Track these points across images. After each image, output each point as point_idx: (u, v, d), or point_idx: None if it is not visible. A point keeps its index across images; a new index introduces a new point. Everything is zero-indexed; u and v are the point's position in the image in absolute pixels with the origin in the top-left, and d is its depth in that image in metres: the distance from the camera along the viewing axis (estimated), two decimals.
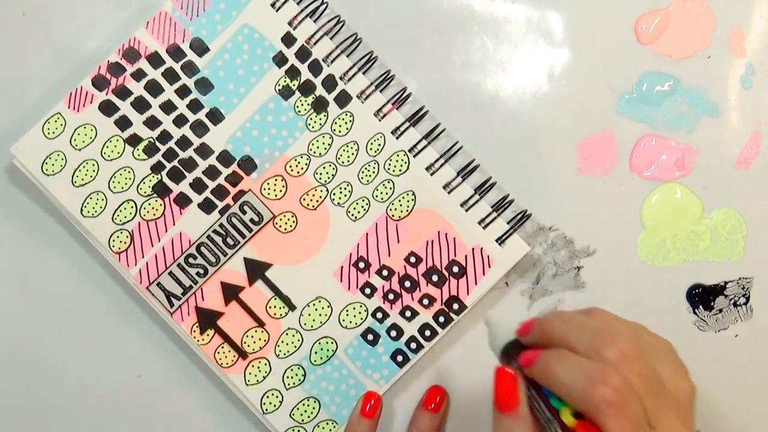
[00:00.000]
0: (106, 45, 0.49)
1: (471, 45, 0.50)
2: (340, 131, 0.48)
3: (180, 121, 0.48)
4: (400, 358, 0.48)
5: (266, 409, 0.48)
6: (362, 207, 0.48)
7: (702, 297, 0.51)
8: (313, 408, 0.48)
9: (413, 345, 0.48)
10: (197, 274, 0.48)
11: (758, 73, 0.50)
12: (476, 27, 0.50)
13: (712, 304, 0.51)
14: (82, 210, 0.48)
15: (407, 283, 0.48)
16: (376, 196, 0.48)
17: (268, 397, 0.48)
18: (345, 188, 0.48)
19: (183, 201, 0.48)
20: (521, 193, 0.50)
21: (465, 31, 0.50)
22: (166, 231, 0.48)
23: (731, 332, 0.51)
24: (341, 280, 0.48)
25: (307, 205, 0.48)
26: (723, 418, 0.51)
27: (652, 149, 0.50)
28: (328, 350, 0.48)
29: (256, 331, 0.48)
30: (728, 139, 0.50)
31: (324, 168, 0.48)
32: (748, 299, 0.51)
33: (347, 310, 0.48)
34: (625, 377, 0.35)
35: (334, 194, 0.48)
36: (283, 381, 0.48)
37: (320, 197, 0.48)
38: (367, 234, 0.48)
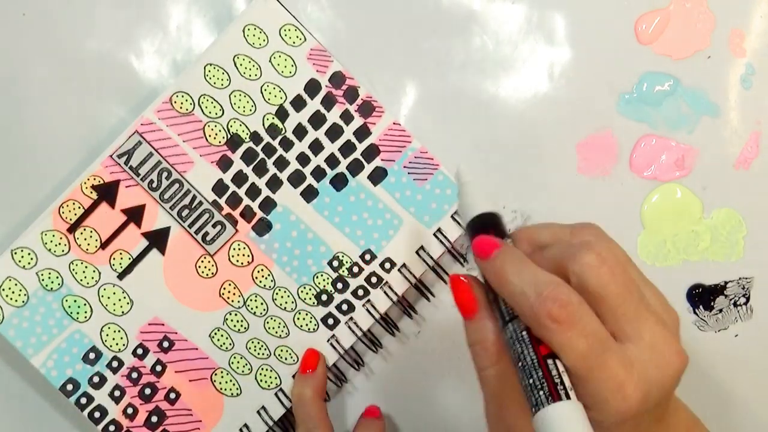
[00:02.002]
0: (106, 45, 0.49)
1: (471, 45, 0.50)
2: None
3: None
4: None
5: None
6: None
7: (702, 297, 0.51)
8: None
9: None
10: None
11: (758, 73, 0.50)
12: (476, 27, 0.50)
13: (712, 304, 0.51)
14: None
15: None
16: None
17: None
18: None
19: None
20: (521, 193, 0.50)
21: (465, 31, 0.50)
22: None
23: (731, 332, 0.51)
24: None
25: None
26: (723, 418, 0.51)
27: (652, 149, 0.50)
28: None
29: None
30: (728, 139, 0.50)
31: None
32: (748, 299, 0.51)
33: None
34: (579, 296, 0.33)
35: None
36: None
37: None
38: None
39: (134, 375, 0.48)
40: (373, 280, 0.48)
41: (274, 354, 0.48)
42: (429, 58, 0.50)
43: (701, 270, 0.51)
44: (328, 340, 0.48)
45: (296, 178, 0.48)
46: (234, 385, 0.48)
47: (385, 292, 0.48)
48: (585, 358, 0.32)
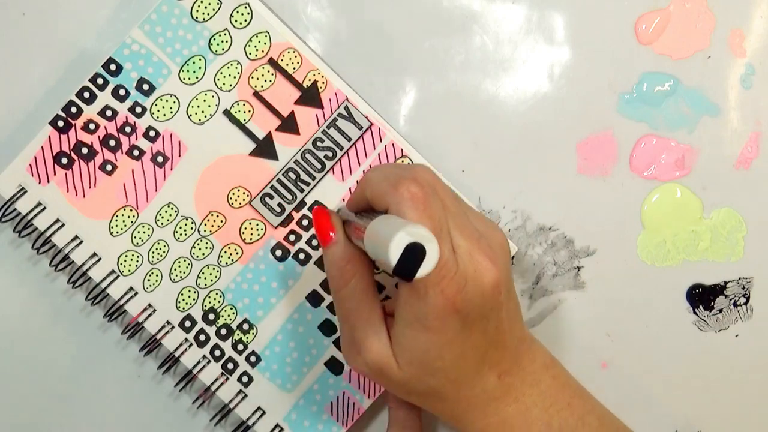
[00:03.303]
0: (106, 45, 0.49)
1: (471, 45, 0.50)
2: None
3: None
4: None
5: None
6: None
7: (702, 297, 0.51)
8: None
9: None
10: None
11: (758, 73, 0.50)
12: (476, 27, 0.50)
13: (712, 304, 0.51)
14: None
15: None
16: None
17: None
18: None
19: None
20: (521, 193, 0.50)
21: (465, 31, 0.50)
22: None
23: (731, 332, 0.51)
24: None
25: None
26: (723, 418, 0.51)
27: (652, 149, 0.50)
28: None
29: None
30: (728, 139, 0.50)
31: None
32: (748, 299, 0.51)
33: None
34: (433, 186, 0.37)
35: None
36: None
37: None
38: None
39: None
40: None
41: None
42: (429, 58, 0.50)
43: (701, 270, 0.51)
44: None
45: None
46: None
47: None
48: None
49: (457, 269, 0.36)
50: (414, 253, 0.32)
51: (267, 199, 0.49)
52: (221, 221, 0.48)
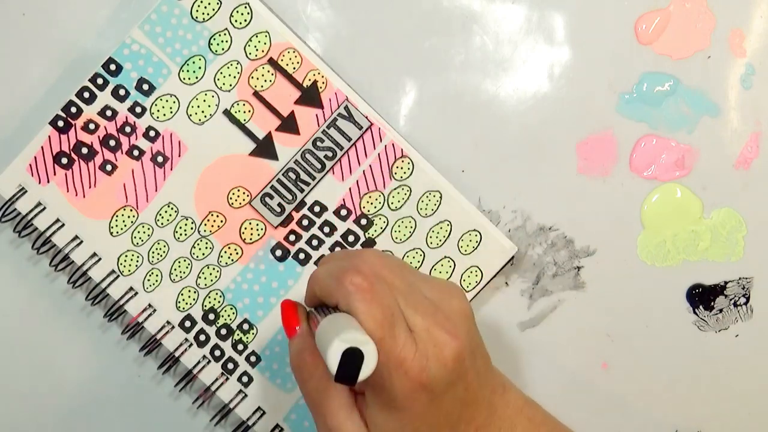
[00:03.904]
0: (106, 45, 0.49)
1: (471, 45, 0.50)
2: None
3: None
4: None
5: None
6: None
7: (702, 297, 0.51)
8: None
9: None
10: None
11: (758, 73, 0.50)
12: (476, 27, 0.50)
13: (712, 304, 0.51)
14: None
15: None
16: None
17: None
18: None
19: None
20: (521, 193, 0.50)
21: (465, 31, 0.50)
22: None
23: (731, 332, 0.51)
24: None
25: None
26: (723, 418, 0.51)
27: (652, 149, 0.50)
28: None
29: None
30: (728, 139, 0.50)
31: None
32: (748, 299, 0.51)
33: None
34: (378, 272, 0.38)
35: None
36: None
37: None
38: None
39: None
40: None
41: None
42: (429, 58, 0.50)
43: (701, 270, 0.51)
44: None
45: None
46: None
47: None
48: (380, 326, 0.36)
49: (417, 349, 0.36)
50: (352, 359, 0.33)
51: (267, 199, 0.49)
52: (221, 221, 0.48)
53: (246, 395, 0.49)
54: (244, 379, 0.49)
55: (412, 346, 0.36)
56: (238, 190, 0.48)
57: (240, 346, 0.49)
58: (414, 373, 0.36)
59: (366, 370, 0.33)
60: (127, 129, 0.48)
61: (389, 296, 0.37)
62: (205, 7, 0.48)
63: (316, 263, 0.49)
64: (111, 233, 0.48)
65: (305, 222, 0.49)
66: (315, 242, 0.49)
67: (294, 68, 0.48)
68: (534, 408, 0.42)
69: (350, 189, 0.49)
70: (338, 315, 0.37)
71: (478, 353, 0.39)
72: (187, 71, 0.48)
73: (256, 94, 0.48)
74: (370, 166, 0.49)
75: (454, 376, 0.37)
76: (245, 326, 0.49)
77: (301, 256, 0.49)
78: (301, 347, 0.40)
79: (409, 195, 0.49)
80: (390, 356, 0.36)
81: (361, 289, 0.36)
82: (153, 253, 0.48)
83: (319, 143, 0.49)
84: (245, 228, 0.48)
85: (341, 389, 0.39)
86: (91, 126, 0.48)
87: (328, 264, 0.40)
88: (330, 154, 0.49)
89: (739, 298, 0.51)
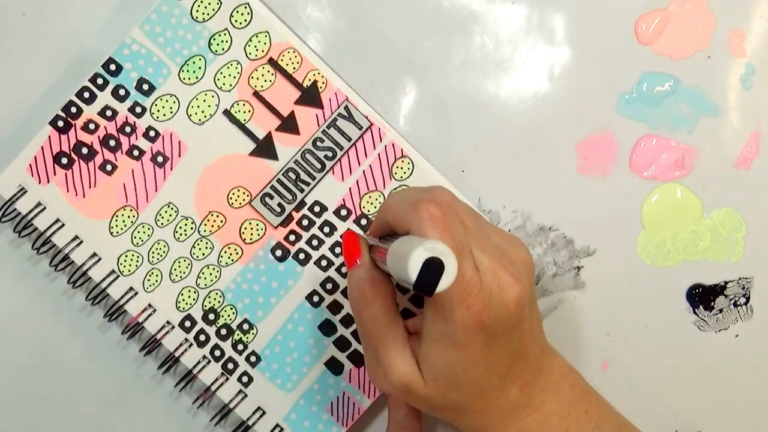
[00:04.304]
0: (106, 45, 0.49)
1: (471, 45, 0.50)
2: None
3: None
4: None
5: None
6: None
7: (702, 297, 0.51)
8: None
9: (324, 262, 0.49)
10: None
11: (758, 73, 0.50)
12: (476, 27, 0.50)
13: (712, 304, 0.51)
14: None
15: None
16: None
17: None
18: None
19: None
20: (521, 193, 0.50)
21: (465, 31, 0.50)
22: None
23: (731, 332, 0.51)
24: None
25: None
26: (723, 418, 0.51)
27: (652, 149, 0.50)
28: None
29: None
30: (728, 139, 0.50)
31: None
32: (748, 299, 0.51)
33: None
34: (452, 206, 0.38)
35: None
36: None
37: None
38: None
39: None
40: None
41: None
42: (429, 58, 0.50)
43: (701, 270, 0.51)
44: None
45: None
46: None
47: None
48: None
49: (481, 286, 0.37)
50: (433, 268, 0.32)
51: (267, 199, 0.49)
52: (221, 221, 0.48)
53: (246, 395, 0.49)
54: (244, 379, 0.49)
55: (477, 282, 0.36)
56: (238, 190, 0.48)
57: (240, 346, 0.49)
58: (476, 308, 0.36)
59: (446, 280, 0.33)
60: (127, 129, 0.48)
61: (461, 229, 0.37)
62: (205, 7, 0.48)
63: (316, 263, 0.49)
64: (111, 233, 0.48)
65: (305, 222, 0.49)
66: (315, 242, 0.49)
67: (294, 68, 0.48)
68: (577, 376, 0.43)
69: (350, 189, 0.49)
70: (411, 236, 0.36)
71: (534, 307, 0.40)
72: (187, 71, 0.48)
73: (256, 94, 0.48)
74: (370, 166, 0.49)
75: (513, 322, 0.38)
76: (245, 326, 0.49)
77: (301, 256, 0.49)
78: (362, 276, 0.40)
79: None
80: (456, 287, 0.36)
81: (435, 218, 0.36)
82: (153, 253, 0.48)
83: (319, 143, 0.49)
84: (245, 228, 0.48)
85: (397, 324, 0.39)
86: (91, 126, 0.48)
87: (403, 193, 0.40)
88: (330, 154, 0.49)
89: (739, 298, 0.51)
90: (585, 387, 0.43)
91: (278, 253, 0.49)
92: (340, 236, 0.48)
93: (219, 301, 0.48)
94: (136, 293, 0.48)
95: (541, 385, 0.41)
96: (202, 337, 0.48)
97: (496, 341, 0.38)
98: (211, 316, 0.48)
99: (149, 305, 0.48)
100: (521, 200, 0.50)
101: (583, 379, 0.43)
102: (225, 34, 0.48)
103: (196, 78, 0.48)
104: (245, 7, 0.48)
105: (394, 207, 0.39)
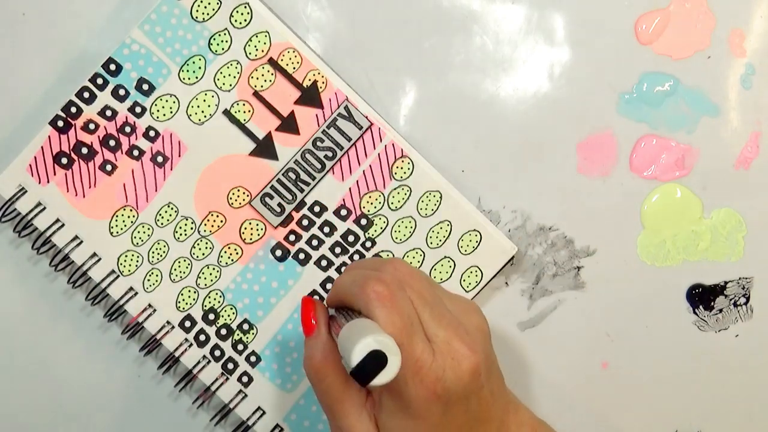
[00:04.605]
0: (106, 45, 0.49)
1: (471, 45, 0.50)
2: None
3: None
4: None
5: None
6: None
7: (702, 297, 0.51)
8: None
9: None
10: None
11: (758, 73, 0.50)
12: (476, 27, 0.50)
13: (712, 304, 0.51)
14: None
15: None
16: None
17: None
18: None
19: None
20: (521, 193, 0.50)
21: (465, 31, 0.50)
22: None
23: (731, 332, 0.51)
24: None
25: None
26: (723, 418, 0.51)
27: (652, 149, 0.50)
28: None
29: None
30: (728, 139, 0.50)
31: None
32: (748, 299, 0.51)
33: None
34: (403, 281, 0.39)
35: None
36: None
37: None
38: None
39: None
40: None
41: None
42: (429, 58, 0.50)
43: (701, 270, 0.51)
44: None
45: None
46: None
47: None
48: (399, 332, 0.36)
49: (434, 359, 0.37)
50: (375, 361, 0.33)
51: (267, 199, 0.49)
52: (221, 221, 0.48)
53: (246, 395, 0.49)
54: (244, 379, 0.49)
55: (429, 355, 0.37)
56: (238, 190, 0.48)
57: (240, 346, 0.49)
58: (430, 381, 0.36)
59: (383, 378, 0.34)
60: (127, 129, 0.48)
61: (409, 305, 0.38)
62: (205, 7, 0.48)
63: (316, 263, 0.49)
64: (111, 233, 0.48)
65: (305, 222, 0.49)
66: (315, 242, 0.49)
67: (294, 68, 0.48)
68: (546, 428, 0.43)
69: (350, 189, 0.49)
70: (367, 321, 0.37)
71: (493, 371, 0.40)
72: (187, 71, 0.48)
73: (256, 94, 0.48)
74: (370, 166, 0.49)
75: (469, 390, 0.38)
76: (245, 326, 0.49)
77: (301, 256, 0.49)
78: (318, 347, 0.40)
79: (409, 195, 0.49)
80: (407, 362, 0.36)
81: (381, 297, 0.37)
82: (153, 253, 0.48)
83: (319, 143, 0.49)
84: (245, 228, 0.48)
85: (354, 391, 0.40)
86: (91, 126, 0.48)
87: (353, 271, 0.40)
88: (330, 154, 0.49)
89: (739, 298, 0.51)
90: None
91: (278, 253, 0.49)
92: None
93: (219, 301, 0.48)
94: (136, 293, 0.48)
95: None
96: (202, 337, 0.48)
97: (453, 409, 0.38)
98: (211, 316, 0.48)
99: (149, 305, 0.48)
100: (521, 200, 0.50)
101: (553, 430, 0.43)
102: (225, 34, 0.48)
103: (196, 78, 0.48)
104: (245, 7, 0.48)
105: (343, 286, 0.40)
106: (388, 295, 0.37)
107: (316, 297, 0.49)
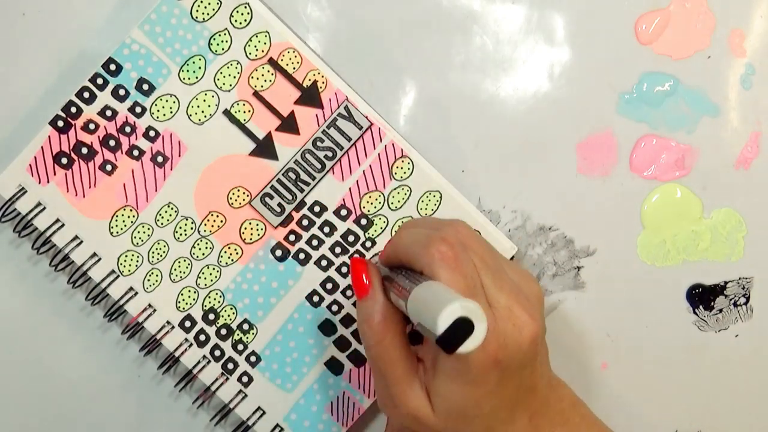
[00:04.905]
0: (106, 45, 0.49)
1: (471, 45, 0.50)
2: None
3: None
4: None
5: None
6: None
7: (702, 297, 0.51)
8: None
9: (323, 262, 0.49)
10: None
11: (758, 73, 0.50)
12: (476, 27, 0.50)
13: (712, 304, 0.51)
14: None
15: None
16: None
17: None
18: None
19: None
20: (521, 193, 0.50)
21: (465, 31, 0.50)
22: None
23: (731, 332, 0.51)
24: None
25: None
26: (723, 418, 0.51)
27: (652, 149, 0.50)
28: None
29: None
30: (728, 139, 0.50)
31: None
32: (748, 299, 0.51)
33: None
34: (466, 243, 0.38)
35: None
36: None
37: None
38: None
39: None
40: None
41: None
42: (429, 58, 0.50)
43: (701, 270, 0.51)
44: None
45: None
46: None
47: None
48: (463, 295, 0.35)
49: (496, 325, 0.36)
50: (461, 328, 0.32)
51: (267, 199, 0.49)
52: (221, 221, 0.48)
53: (246, 395, 0.49)
54: (244, 379, 0.49)
55: (491, 320, 0.36)
56: (238, 190, 0.48)
57: (240, 346, 0.49)
58: (491, 348, 0.36)
59: (470, 345, 0.32)
60: (127, 129, 0.48)
61: (473, 268, 0.37)
62: (205, 7, 0.48)
63: (316, 263, 0.49)
64: (111, 233, 0.48)
65: (305, 222, 0.49)
66: (315, 242, 0.49)
67: (294, 68, 0.48)
68: (585, 407, 0.43)
69: (350, 189, 0.49)
70: (438, 284, 0.36)
71: (545, 341, 0.40)
72: (187, 71, 0.48)
73: (256, 94, 0.48)
74: (370, 166, 0.49)
75: (527, 359, 0.38)
76: (245, 326, 0.49)
77: (301, 256, 0.49)
78: (377, 308, 0.40)
79: (409, 195, 0.49)
80: None
81: (446, 258, 0.36)
82: (153, 253, 0.48)
83: (319, 143, 0.49)
84: (245, 228, 0.48)
85: (407, 357, 0.39)
86: (91, 126, 0.48)
87: (413, 230, 0.40)
88: (330, 154, 0.49)
89: (739, 298, 0.51)
90: (595, 420, 0.43)
91: (278, 253, 0.49)
92: (348, 258, 0.48)
93: (219, 301, 0.48)
94: (136, 293, 0.48)
95: (549, 416, 0.41)
96: (202, 337, 0.48)
97: (509, 377, 0.38)
98: (211, 316, 0.48)
99: (149, 305, 0.48)
100: (521, 200, 0.50)
101: (591, 411, 0.43)
102: (225, 34, 0.48)
103: (196, 78, 0.48)
104: (245, 7, 0.48)
105: (404, 246, 0.39)
106: (453, 256, 0.37)
107: (316, 298, 0.49)
